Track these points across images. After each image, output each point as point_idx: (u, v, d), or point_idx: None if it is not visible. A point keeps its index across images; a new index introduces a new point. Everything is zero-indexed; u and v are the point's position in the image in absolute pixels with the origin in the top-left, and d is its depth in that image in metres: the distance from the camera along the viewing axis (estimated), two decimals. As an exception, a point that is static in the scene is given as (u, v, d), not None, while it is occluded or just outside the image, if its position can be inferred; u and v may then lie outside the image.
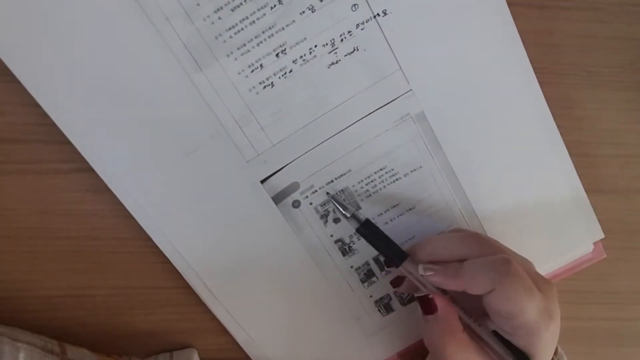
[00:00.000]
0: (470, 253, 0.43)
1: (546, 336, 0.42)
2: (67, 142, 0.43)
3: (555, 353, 0.46)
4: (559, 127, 0.48)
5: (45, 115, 0.42)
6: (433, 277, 0.43)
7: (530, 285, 0.41)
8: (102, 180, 0.44)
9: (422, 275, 0.44)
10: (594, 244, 0.52)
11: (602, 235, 0.52)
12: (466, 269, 0.42)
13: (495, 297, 0.41)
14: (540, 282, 0.43)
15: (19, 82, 0.41)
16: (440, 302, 0.44)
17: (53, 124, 0.42)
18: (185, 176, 0.45)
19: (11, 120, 0.44)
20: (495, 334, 0.43)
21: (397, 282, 0.49)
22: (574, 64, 0.50)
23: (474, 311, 0.44)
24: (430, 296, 0.44)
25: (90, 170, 0.44)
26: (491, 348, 0.43)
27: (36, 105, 0.42)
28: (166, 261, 0.47)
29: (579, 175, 0.50)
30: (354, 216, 0.46)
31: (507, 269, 0.41)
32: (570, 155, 0.50)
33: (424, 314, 0.45)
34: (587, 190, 0.51)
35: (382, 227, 0.48)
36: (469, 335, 0.44)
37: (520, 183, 0.49)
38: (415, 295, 0.45)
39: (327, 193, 0.47)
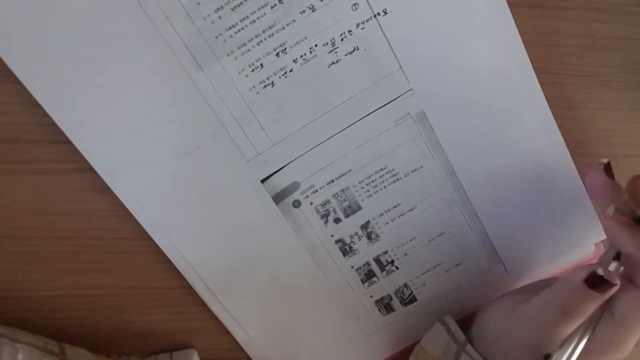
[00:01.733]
0: None
1: None
2: (67, 142, 0.43)
3: None
4: (559, 127, 0.48)
5: (45, 115, 0.42)
6: None
7: None
8: (102, 180, 0.44)
9: None
10: (595, 244, 0.52)
11: (604, 236, 0.52)
12: None
13: None
14: None
15: (18, 82, 0.41)
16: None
17: (53, 124, 0.42)
18: (185, 176, 0.45)
19: (11, 120, 0.44)
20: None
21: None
22: (574, 64, 0.50)
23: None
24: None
25: (90, 170, 0.44)
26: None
27: (36, 105, 0.42)
28: (166, 261, 0.47)
29: (579, 176, 0.50)
30: None
31: None
32: (570, 155, 0.49)
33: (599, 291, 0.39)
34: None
35: (382, 228, 0.49)
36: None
37: (521, 182, 0.49)
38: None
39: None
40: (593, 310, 0.40)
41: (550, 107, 0.48)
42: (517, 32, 0.45)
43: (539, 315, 0.42)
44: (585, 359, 0.41)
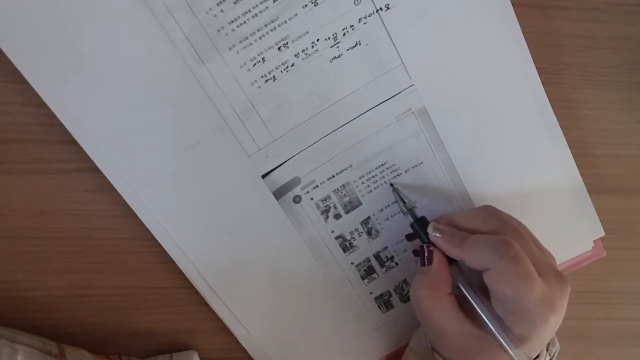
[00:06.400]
0: (484, 228, 0.43)
1: (542, 328, 0.40)
2: (67, 142, 0.43)
3: (552, 344, 0.45)
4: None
5: (45, 115, 0.42)
6: (438, 240, 0.44)
7: (529, 272, 0.40)
8: (102, 180, 0.44)
9: (430, 234, 0.44)
10: (594, 241, 0.52)
11: (603, 233, 0.52)
12: (468, 242, 0.42)
13: (490, 276, 0.41)
14: (549, 274, 0.41)
15: (19, 82, 0.41)
16: (437, 257, 0.44)
17: (53, 124, 0.42)
18: (186, 170, 0.45)
19: (11, 120, 0.44)
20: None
21: (411, 236, 0.48)
22: (574, 64, 0.50)
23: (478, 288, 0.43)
24: (430, 248, 0.44)
25: (90, 170, 0.44)
26: (478, 316, 0.42)
27: (36, 105, 0.42)
28: (166, 261, 0.47)
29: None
30: (410, 211, 0.47)
31: (506, 251, 0.40)
32: (571, 153, 0.50)
33: (420, 264, 0.44)
34: (587, 190, 0.51)
35: (382, 224, 0.49)
36: (458, 303, 0.43)
37: (521, 179, 0.49)
38: (420, 244, 0.45)
39: (391, 184, 0.48)
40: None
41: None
42: (520, 29, 0.45)
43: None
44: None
